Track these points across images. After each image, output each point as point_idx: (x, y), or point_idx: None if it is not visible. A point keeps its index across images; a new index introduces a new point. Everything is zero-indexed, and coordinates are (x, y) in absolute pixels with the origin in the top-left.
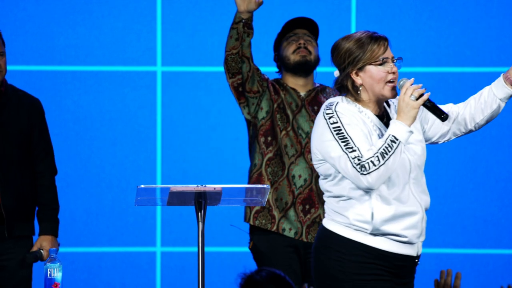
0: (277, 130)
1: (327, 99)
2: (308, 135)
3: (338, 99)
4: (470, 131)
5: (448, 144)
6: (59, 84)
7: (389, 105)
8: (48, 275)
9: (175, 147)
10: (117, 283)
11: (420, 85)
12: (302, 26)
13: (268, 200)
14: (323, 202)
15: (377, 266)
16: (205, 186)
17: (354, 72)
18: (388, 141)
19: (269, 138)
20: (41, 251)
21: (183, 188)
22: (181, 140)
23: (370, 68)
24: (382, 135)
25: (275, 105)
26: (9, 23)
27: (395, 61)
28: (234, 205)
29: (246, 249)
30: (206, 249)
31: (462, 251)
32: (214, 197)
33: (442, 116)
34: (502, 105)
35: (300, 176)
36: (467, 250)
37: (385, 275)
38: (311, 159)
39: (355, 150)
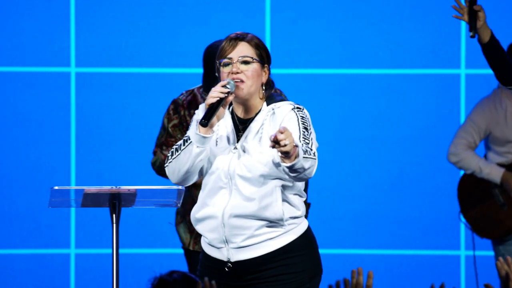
0: None
1: None
2: None
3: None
4: None
5: (364, 147)
6: None
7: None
8: None
9: (90, 149)
10: (30, 285)
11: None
12: None
13: None
14: None
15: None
16: (119, 187)
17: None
18: (184, 139)
19: None
20: None
21: (97, 189)
22: (96, 141)
23: (221, 69)
24: (229, 139)
25: None
26: None
27: (235, 61)
28: (149, 207)
29: (160, 250)
30: (121, 251)
31: (374, 252)
32: (128, 199)
33: (202, 120)
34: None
35: None
36: (379, 251)
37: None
38: None
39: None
